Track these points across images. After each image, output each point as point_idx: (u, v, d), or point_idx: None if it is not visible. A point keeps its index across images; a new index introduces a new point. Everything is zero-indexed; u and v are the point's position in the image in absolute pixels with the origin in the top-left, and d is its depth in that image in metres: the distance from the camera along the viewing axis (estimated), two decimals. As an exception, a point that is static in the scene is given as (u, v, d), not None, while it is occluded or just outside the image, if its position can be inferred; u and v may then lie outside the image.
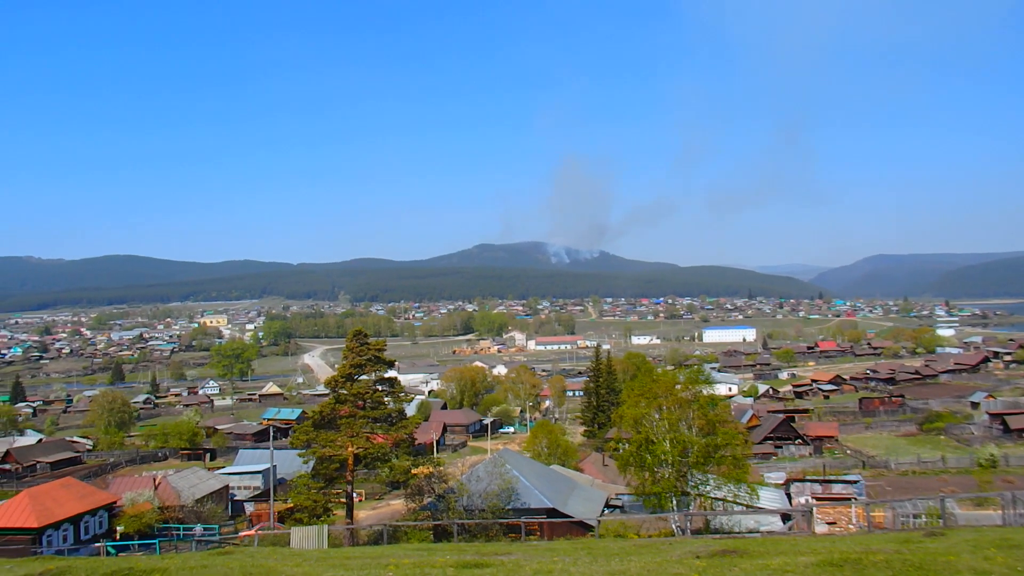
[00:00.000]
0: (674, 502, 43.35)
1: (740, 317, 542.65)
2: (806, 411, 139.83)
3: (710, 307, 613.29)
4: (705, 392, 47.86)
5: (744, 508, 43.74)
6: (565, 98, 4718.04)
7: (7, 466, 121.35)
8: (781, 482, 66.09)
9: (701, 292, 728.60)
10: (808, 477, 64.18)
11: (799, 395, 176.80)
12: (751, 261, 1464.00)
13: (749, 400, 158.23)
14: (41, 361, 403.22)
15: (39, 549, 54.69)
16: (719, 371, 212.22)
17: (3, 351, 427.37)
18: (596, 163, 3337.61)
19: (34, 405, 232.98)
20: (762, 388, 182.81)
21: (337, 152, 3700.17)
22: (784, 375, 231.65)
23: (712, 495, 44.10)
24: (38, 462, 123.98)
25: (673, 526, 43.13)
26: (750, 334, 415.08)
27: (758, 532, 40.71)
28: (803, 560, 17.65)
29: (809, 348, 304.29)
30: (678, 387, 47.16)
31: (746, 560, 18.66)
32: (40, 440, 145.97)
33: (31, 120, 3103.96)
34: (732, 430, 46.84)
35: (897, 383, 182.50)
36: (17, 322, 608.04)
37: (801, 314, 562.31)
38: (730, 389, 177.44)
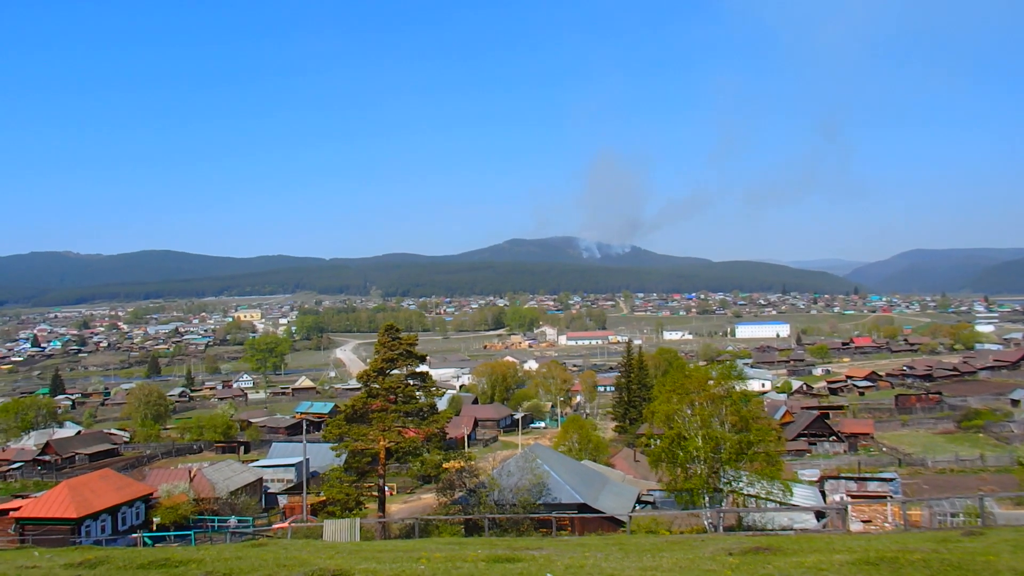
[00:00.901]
0: (706, 499, 43.04)
1: (773, 312, 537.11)
2: (841, 408, 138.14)
3: (743, 302, 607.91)
4: (738, 388, 47.40)
5: (777, 505, 43.31)
6: (599, 92, 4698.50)
7: (47, 457, 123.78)
8: (815, 479, 65.34)
9: (734, 287, 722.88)
10: (843, 474, 63.35)
11: (833, 391, 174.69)
12: (785, 256, 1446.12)
13: (782, 396, 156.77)
14: (80, 354, 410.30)
15: (78, 539, 55.67)
16: (752, 367, 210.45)
17: (43, 344, 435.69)
18: (629, 157, 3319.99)
19: (73, 398, 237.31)
20: (796, 384, 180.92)
21: (370, 147, 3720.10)
22: (818, 371, 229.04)
23: (745, 492, 43.73)
24: (77, 454, 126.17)
25: (705, 523, 42.81)
26: (784, 330, 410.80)
27: (792, 530, 40.32)
28: (838, 558, 17.44)
29: (844, 344, 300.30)
30: (710, 383, 46.77)
31: (780, 557, 18.49)
32: (79, 432, 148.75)
33: (71, 118, 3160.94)
34: (765, 426, 46.43)
35: (934, 380, 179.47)
36: (57, 316, 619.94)
37: (836, 309, 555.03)
38: (763, 385, 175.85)
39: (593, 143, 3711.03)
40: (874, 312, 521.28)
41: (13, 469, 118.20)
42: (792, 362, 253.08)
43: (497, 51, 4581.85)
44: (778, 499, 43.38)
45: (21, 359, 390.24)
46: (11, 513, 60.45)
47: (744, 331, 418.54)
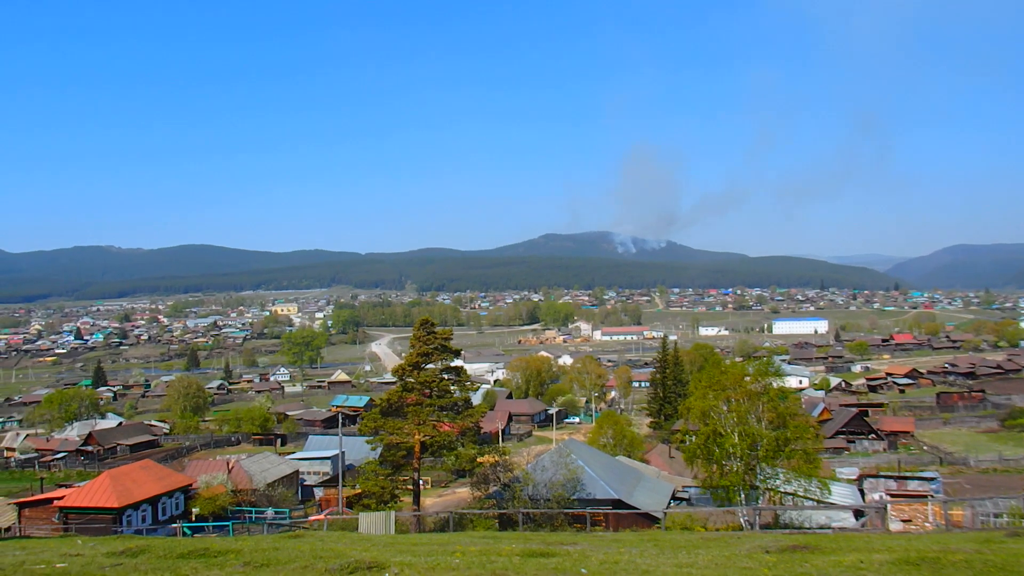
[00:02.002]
0: (742, 496, 42.64)
1: (811, 308, 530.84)
2: (880, 405, 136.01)
3: (780, 298, 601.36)
4: (775, 385, 46.89)
5: (815, 503, 42.76)
6: (634, 87, 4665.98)
7: (89, 448, 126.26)
8: (854, 478, 64.44)
9: (771, 283, 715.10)
10: (882, 473, 62.41)
11: (873, 389, 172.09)
12: (823, 251, 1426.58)
13: (820, 393, 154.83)
14: (121, 347, 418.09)
15: (119, 528, 56.63)
16: (789, 363, 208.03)
17: (86, 337, 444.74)
18: (664, 152, 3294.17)
19: (114, 389, 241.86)
20: (834, 381, 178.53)
21: (406, 142, 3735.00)
22: (857, 368, 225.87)
23: (782, 489, 43.25)
24: (118, 444, 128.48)
25: (741, 520, 42.42)
26: (822, 326, 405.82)
27: (830, 528, 39.79)
28: (878, 558, 17.16)
29: (884, 341, 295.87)
30: (747, 379, 46.32)
31: (818, 556, 18.25)
32: (120, 423, 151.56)
33: (113, 115, 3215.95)
34: (803, 423, 45.84)
35: (978, 377, 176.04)
36: (99, 309, 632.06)
37: (876, 305, 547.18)
38: (800, 382, 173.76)
39: (628, 137, 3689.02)
40: (915, 308, 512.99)
41: (57, 459, 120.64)
42: (830, 359, 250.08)
43: (532, 46, 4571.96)
44: (816, 497, 42.83)
45: (65, 351, 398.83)
46: (55, 502, 61.65)
47: (781, 327, 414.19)
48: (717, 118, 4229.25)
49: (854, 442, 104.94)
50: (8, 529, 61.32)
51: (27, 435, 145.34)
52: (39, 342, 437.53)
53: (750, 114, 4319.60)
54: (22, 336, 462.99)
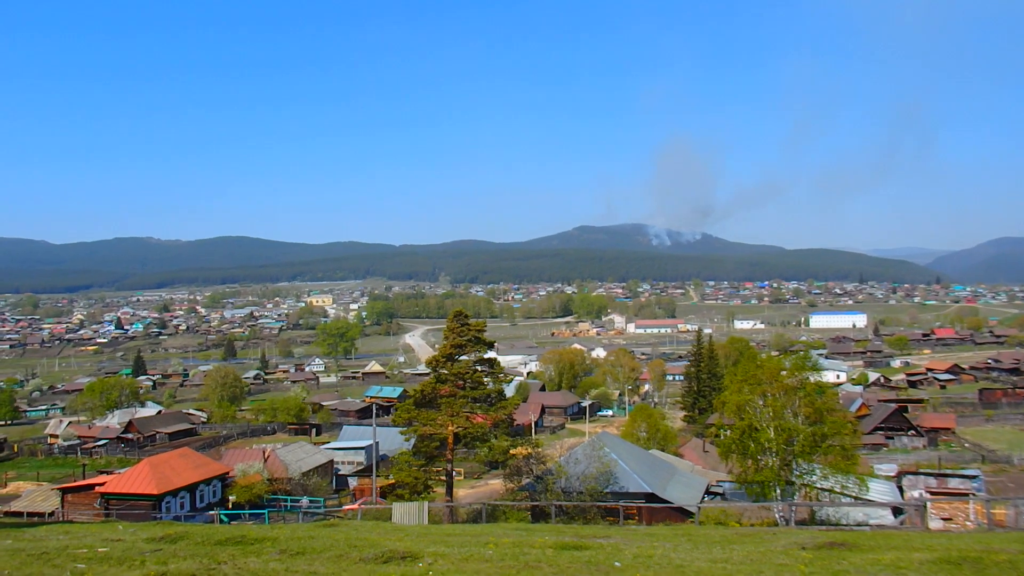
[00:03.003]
0: (778, 491, 42.16)
1: (850, 302, 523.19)
2: (920, 401, 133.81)
3: (818, 291, 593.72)
4: (812, 379, 46.21)
5: (852, 500, 42.15)
6: (670, 79, 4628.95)
7: (129, 435, 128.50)
8: (892, 474, 63.50)
9: (808, 276, 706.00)
10: (922, 470, 61.36)
11: (913, 384, 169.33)
12: (862, 244, 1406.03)
13: (858, 388, 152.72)
14: (160, 337, 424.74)
15: (158, 515, 57.51)
16: (827, 358, 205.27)
17: (126, 327, 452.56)
18: (701, 144, 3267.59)
19: (154, 378, 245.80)
20: (872, 376, 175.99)
21: (440, 135, 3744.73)
22: (897, 363, 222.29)
23: (818, 485, 42.64)
24: (157, 432, 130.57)
25: (776, 516, 41.99)
26: (860, 320, 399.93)
27: (867, 525, 39.24)
28: (917, 556, 16.88)
29: (924, 335, 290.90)
30: (783, 373, 45.73)
31: (855, 554, 18.02)
32: (159, 412, 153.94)
33: (152, 110, 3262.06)
34: (840, 419, 45.10)
35: (1022, 374, 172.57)
36: (139, 299, 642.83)
37: (916, 299, 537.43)
38: (838, 377, 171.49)
39: (663, 129, 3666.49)
40: (957, 303, 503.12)
41: (98, 446, 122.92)
42: (869, 353, 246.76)
43: (568, 38, 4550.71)
44: (853, 494, 42.22)
45: (106, 341, 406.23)
46: (97, 488, 62.82)
47: (819, 321, 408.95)
48: (754, 110, 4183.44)
49: (893, 438, 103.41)
50: (52, 514, 62.65)
51: (70, 422, 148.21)
52: (81, 331, 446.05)
53: (787, 106, 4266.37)
54: (65, 325, 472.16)
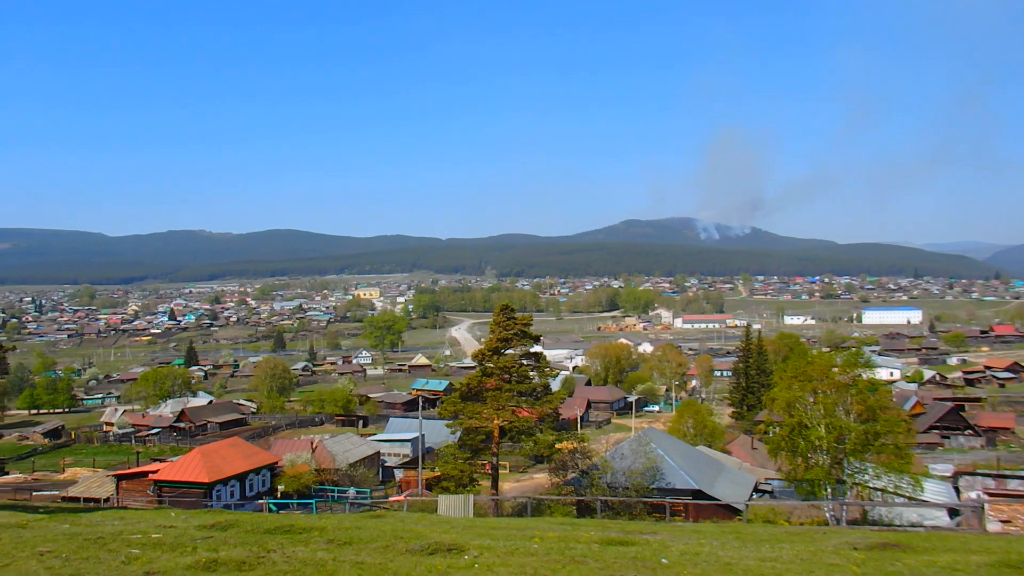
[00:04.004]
0: (828, 490, 41.41)
1: (904, 298, 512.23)
2: (978, 400, 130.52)
3: (871, 287, 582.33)
4: (865, 376, 45.24)
5: (906, 500, 41.21)
6: (720, 72, 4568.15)
7: (182, 424, 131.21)
8: (948, 475, 61.99)
9: (861, 271, 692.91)
10: (979, 471, 59.80)
11: (970, 382, 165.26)
12: (918, 238, 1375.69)
13: (913, 386, 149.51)
14: (211, 328, 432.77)
15: (209, 503, 58.56)
16: (880, 355, 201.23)
17: (179, 318, 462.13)
18: (751, 136, 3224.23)
19: (205, 369, 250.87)
20: (928, 374, 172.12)
21: (487, 128, 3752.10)
22: (953, 361, 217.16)
23: (870, 485, 41.77)
24: (208, 422, 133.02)
25: (827, 515, 41.25)
26: (915, 316, 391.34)
27: (921, 527, 38.37)
28: (975, 559, 16.42)
29: (983, 332, 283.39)
30: (835, 370, 44.86)
31: (910, 555, 17.60)
32: (210, 402, 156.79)
33: (209, 107, 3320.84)
34: (894, 417, 44.07)
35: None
36: (191, 291, 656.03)
37: (974, 295, 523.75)
38: (892, 374, 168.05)
39: (713, 122, 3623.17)
40: (1018, 298, 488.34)
41: (152, 434, 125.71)
42: (924, 350, 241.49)
43: (616, 30, 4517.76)
44: (907, 494, 41.27)
45: (159, 331, 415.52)
46: (150, 475, 64.25)
47: (872, 317, 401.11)
48: (806, 101, 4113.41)
49: (949, 438, 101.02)
50: (107, 500, 64.25)
51: (124, 411, 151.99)
52: (136, 322, 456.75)
53: (841, 96, 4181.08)
54: (120, 316, 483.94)
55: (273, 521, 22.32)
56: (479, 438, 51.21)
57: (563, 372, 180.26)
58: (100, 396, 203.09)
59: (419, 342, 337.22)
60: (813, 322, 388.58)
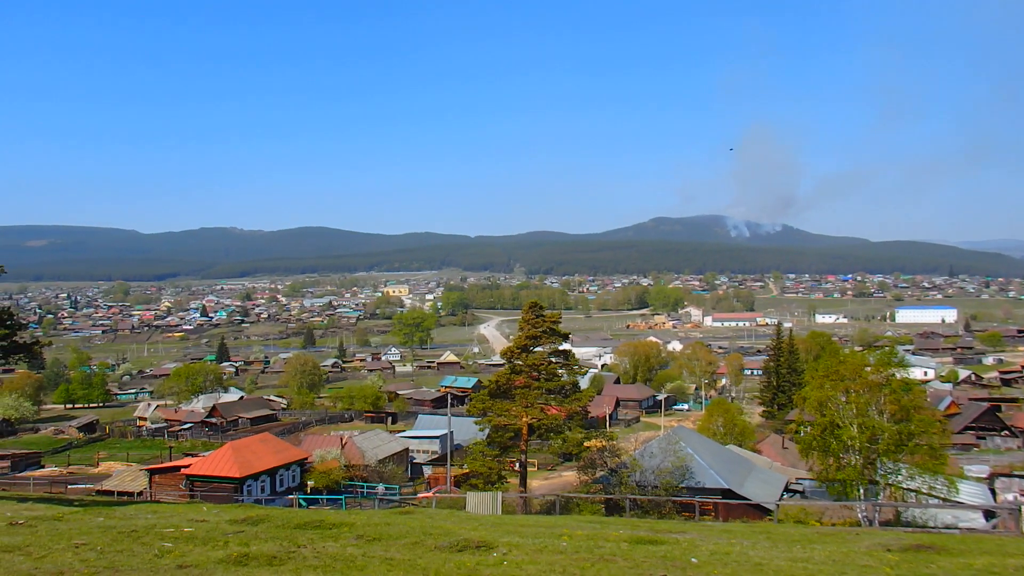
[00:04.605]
0: (861, 491, 40.93)
1: (939, 296, 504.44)
2: (1015, 400, 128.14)
3: (904, 285, 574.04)
4: (898, 376, 44.66)
5: (940, 502, 40.62)
6: (752, 67, 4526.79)
7: (213, 420, 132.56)
8: (984, 476, 61.02)
9: (895, 269, 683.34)
10: (1016, 472, 58.83)
11: (1007, 383, 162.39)
12: (953, 235, 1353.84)
13: (947, 386, 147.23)
14: (243, 324, 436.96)
15: (240, 497, 59.17)
16: (914, 354, 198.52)
17: (211, 314, 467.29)
18: (783, 132, 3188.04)
19: (236, 365, 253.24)
20: (963, 374, 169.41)
21: (516, 125, 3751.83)
22: (989, 360, 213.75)
23: (904, 486, 41.24)
24: (240, 417, 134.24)
25: (859, 516, 40.79)
26: (950, 315, 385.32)
27: (957, 529, 37.77)
28: (1012, 563, 16.14)
29: (1020, 331, 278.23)
30: (867, 369, 44.32)
31: (944, 558, 17.33)
32: (241, 397, 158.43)
33: (237, 94, 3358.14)
34: (928, 417, 43.50)
35: None
36: (223, 288, 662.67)
37: (1011, 294, 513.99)
38: (926, 373, 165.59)
39: (743, 118, 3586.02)
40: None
41: (184, 429, 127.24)
42: (959, 350, 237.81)
43: (646, 26, 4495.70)
44: (941, 495, 40.71)
45: (191, 328, 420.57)
46: (183, 470, 65.07)
47: (905, 315, 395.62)
48: (839, 97, 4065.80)
49: (985, 439, 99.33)
50: (140, 493, 65.14)
51: (157, 406, 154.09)
52: (168, 318, 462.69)
53: (874, 92, 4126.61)
54: (153, 312, 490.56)
55: (303, 516, 22.47)
56: (508, 435, 51.25)
57: (592, 370, 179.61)
58: (133, 391, 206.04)
59: (448, 339, 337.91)
60: (845, 321, 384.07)
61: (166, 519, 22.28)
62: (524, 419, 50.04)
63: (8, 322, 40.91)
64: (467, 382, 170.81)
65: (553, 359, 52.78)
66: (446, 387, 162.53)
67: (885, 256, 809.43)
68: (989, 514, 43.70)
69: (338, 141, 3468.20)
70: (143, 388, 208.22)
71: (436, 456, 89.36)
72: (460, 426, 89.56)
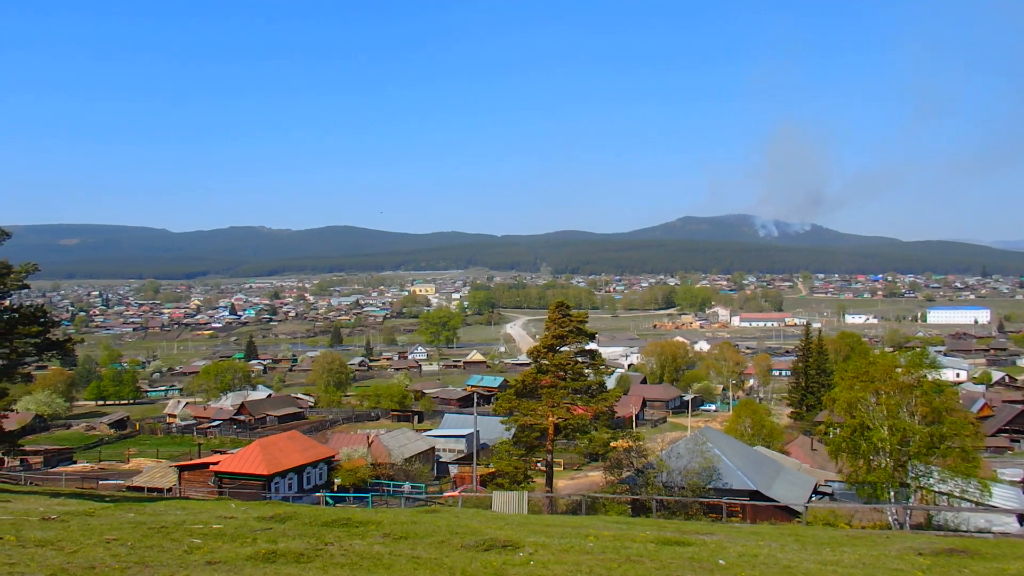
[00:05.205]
0: (891, 493, 40.40)
1: (971, 297, 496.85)
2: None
3: (936, 285, 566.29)
4: (930, 377, 44.00)
5: (973, 505, 39.99)
6: (782, 65, 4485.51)
7: (242, 417, 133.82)
8: (1018, 480, 59.95)
9: (926, 269, 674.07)
10: (1051, 475, 57.80)
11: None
12: (987, 235, 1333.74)
13: (980, 388, 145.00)
14: (271, 323, 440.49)
15: (268, 494, 59.62)
16: (946, 355, 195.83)
17: (239, 313, 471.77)
18: (813, 130, 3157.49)
19: (264, 363, 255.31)
20: (996, 375, 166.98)
21: (543, 124, 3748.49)
22: (1023, 362, 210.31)
23: (935, 489, 40.66)
24: (268, 415, 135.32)
25: (890, 519, 40.28)
26: (983, 316, 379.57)
27: (990, 533, 37.15)
28: (1048, 568, 15.82)
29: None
30: (898, 370, 43.74)
31: (977, 562, 17.08)
32: (269, 395, 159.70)
33: (267, 90, 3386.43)
34: (960, 419, 42.80)
35: None
36: (251, 286, 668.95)
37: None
38: (958, 375, 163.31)
39: (772, 116, 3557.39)
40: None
41: (212, 426, 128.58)
42: (992, 351, 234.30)
43: (673, 25, 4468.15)
44: (974, 499, 40.07)
45: (220, 326, 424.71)
46: (211, 467, 65.70)
47: (937, 316, 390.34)
48: (870, 94, 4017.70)
49: (1019, 441, 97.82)
50: (170, 489, 65.88)
51: (186, 403, 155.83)
52: (198, 316, 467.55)
53: (907, 89, 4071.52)
54: (183, 310, 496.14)
55: (330, 514, 22.59)
56: (534, 435, 51.20)
57: (618, 370, 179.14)
58: (163, 388, 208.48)
59: (474, 338, 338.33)
60: (875, 321, 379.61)
61: (195, 515, 22.49)
62: (550, 419, 49.97)
63: (41, 319, 41.53)
64: (493, 381, 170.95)
65: (579, 359, 52.66)
66: (472, 386, 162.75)
67: (916, 256, 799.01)
68: (1023, 518, 42.98)
69: (365, 140, 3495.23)
70: (173, 385, 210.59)
71: (462, 455, 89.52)
72: (486, 425, 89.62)
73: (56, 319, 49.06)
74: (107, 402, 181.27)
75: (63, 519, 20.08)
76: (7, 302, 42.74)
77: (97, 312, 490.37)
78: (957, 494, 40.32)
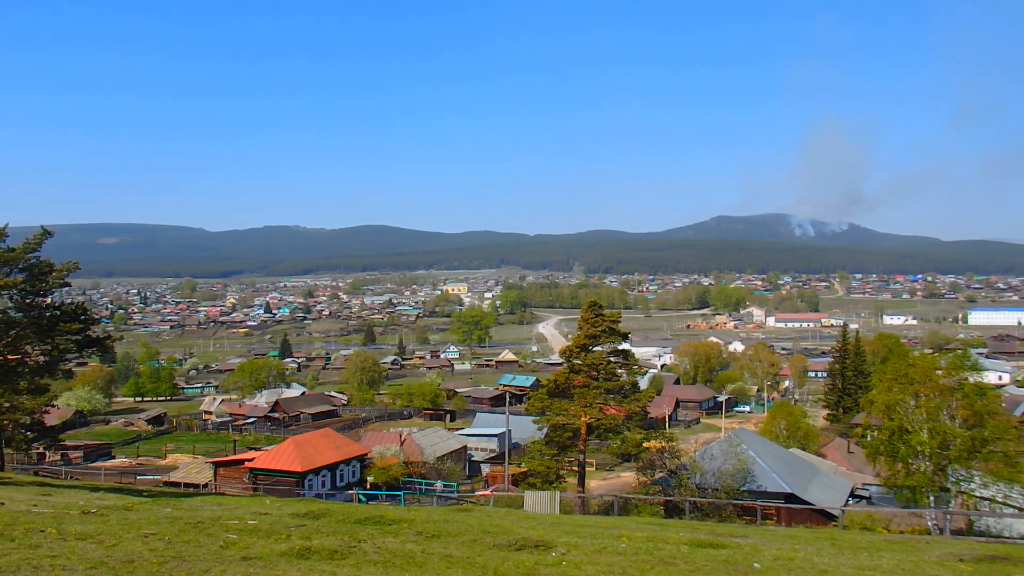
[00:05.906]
0: (931, 498, 39.69)
1: (1015, 297, 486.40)
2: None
3: (978, 286, 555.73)
4: (971, 379, 43.14)
5: (1016, 511, 39.16)
6: (819, 62, 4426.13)
7: (276, 414, 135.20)
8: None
9: (967, 269, 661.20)
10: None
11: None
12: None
13: None
14: (305, 321, 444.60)
15: (302, 491, 60.11)
16: (988, 357, 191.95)
17: (274, 311, 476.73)
18: (851, 128, 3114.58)
19: (298, 361, 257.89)
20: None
21: (575, 122, 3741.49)
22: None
23: (977, 494, 39.86)
24: (301, 412, 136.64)
25: (929, 524, 39.57)
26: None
27: (1033, 539, 36.37)
28: (1093, 577, 15.42)
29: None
30: (938, 372, 42.95)
31: (1021, 569, 16.80)
32: (303, 393, 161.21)
33: (300, 89, 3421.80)
34: (1003, 423, 41.93)
35: None
36: (286, 285, 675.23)
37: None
38: (1000, 378, 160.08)
39: (810, 114, 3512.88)
40: None
41: (248, 423, 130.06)
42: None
43: (710, 24, 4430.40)
44: (1018, 504, 39.24)
45: (255, 324, 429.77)
46: (246, 463, 66.41)
47: (978, 317, 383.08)
48: (910, 93, 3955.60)
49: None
50: (206, 485, 66.75)
51: (222, 400, 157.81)
52: (233, 314, 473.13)
53: (948, 87, 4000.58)
54: (219, 308, 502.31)
55: (363, 512, 22.71)
56: (566, 435, 51.09)
57: (651, 370, 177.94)
58: (199, 385, 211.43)
59: (506, 338, 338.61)
60: (915, 322, 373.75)
61: (230, 511, 22.73)
62: (583, 419, 49.83)
63: (81, 317, 42.30)
64: (525, 381, 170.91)
65: (612, 359, 52.46)
66: (504, 385, 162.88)
67: (957, 256, 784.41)
68: (1068, 525, 41.99)
69: (400, 140, 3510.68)
70: (209, 382, 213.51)
71: (494, 454, 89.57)
72: (518, 425, 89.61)
73: (96, 317, 49.98)
74: (145, 398, 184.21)
75: (102, 513, 20.39)
76: (49, 300, 43.60)
77: (135, 310, 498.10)
78: (999, 500, 39.53)
